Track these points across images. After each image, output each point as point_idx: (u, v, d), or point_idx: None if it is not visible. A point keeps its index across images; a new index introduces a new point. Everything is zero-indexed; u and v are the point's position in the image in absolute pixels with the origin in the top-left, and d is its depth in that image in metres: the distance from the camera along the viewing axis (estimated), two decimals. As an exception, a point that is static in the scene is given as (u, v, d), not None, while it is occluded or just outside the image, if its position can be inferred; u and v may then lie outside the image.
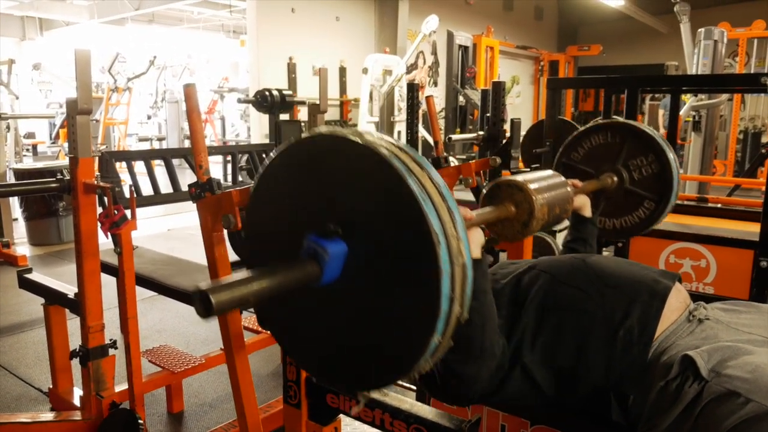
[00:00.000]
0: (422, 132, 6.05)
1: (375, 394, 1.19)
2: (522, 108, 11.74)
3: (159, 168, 3.63)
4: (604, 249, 2.55)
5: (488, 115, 3.89)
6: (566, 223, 1.59)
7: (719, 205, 4.17)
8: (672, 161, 1.66)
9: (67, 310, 2.19)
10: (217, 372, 2.64)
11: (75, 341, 2.03)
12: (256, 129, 7.17)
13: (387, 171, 0.73)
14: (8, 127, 5.38)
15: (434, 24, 6.90)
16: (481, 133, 3.74)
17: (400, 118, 6.86)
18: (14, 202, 5.19)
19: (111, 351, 1.95)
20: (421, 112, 4.97)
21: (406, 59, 7.41)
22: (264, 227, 0.93)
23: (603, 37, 12.61)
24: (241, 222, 1.34)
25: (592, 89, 11.64)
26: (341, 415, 1.34)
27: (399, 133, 6.91)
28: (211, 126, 12.59)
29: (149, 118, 12.60)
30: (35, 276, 2.31)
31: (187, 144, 10.83)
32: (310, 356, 0.93)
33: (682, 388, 0.97)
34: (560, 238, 3.33)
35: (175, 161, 2.50)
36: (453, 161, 2.63)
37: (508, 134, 3.12)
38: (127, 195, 1.81)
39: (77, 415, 2.03)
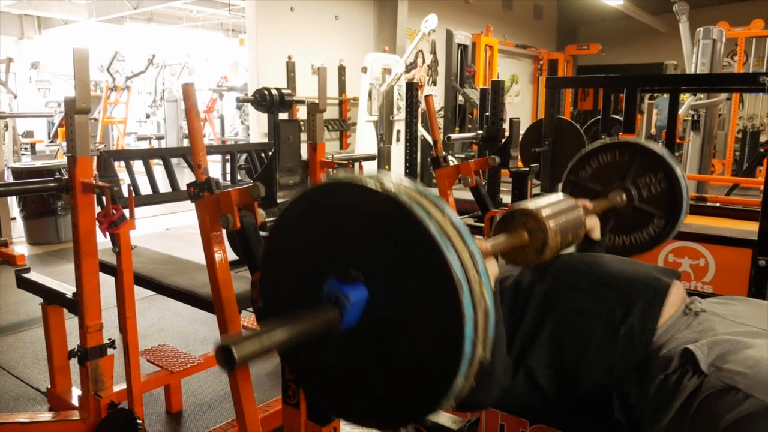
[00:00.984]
0: (421, 131, 6.04)
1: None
2: (521, 107, 11.73)
3: (158, 167, 3.63)
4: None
5: (487, 114, 3.90)
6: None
7: (718, 204, 4.18)
8: (681, 178, 1.65)
9: (65, 310, 2.18)
10: (216, 371, 2.64)
11: (73, 341, 2.03)
12: (255, 128, 7.16)
13: (407, 218, 0.73)
14: (6, 126, 5.36)
15: (433, 23, 6.89)
16: (480, 132, 3.75)
17: (400, 117, 6.85)
18: (12, 201, 5.18)
19: (109, 351, 1.95)
20: (420, 111, 4.97)
21: (405, 58, 7.41)
22: (282, 269, 0.92)
23: (602, 37, 12.60)
24: (240, 223, 1.34)
25: (591, 88, 11.68)
26: (340, 415, 1.34)
27: (398, 131, 6.90)
28: (210, 125, 12.57)
29: (148, 117, 12.57)
30: (33, 275, 2.31)
31: (185, 143, 10.80)
32: (328, 396, 0.92)
33: (681, 381, 0.97)
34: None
35: (174, 160, 2.51)
36: (452, 160, 2.62)
37: (507, 133, 3.12)
38: (126, 194, 1.81)
39: (75, 415, 2.02)
